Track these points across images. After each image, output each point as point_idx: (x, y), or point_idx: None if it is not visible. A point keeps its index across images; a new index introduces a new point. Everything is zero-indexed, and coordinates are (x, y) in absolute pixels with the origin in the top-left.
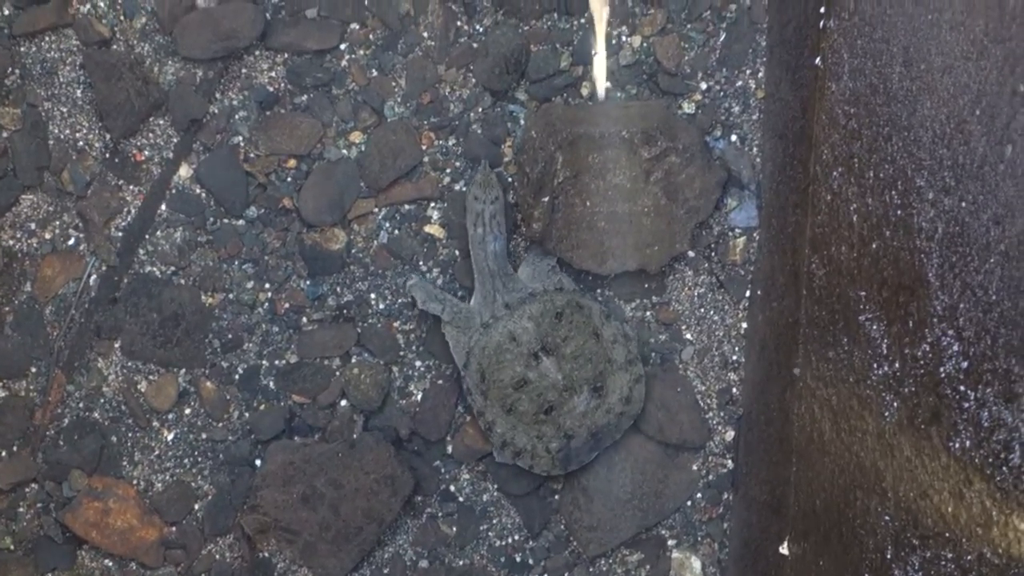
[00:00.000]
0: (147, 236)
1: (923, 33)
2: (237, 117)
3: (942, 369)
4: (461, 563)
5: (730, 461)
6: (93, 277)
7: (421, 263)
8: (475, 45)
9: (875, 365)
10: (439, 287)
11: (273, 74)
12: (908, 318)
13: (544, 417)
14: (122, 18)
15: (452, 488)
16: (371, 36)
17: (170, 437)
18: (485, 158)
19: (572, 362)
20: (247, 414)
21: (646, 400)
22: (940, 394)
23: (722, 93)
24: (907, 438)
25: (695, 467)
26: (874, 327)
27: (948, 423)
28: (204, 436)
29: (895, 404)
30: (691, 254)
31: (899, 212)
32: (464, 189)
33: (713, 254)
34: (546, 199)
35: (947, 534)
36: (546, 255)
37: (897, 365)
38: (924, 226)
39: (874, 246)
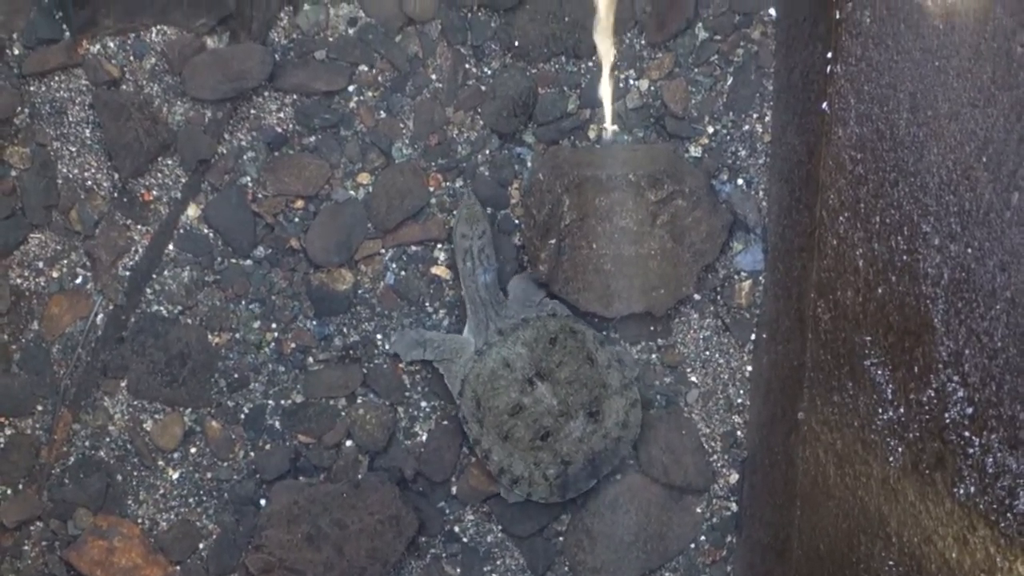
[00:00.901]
0: (154, 275)
1: (930, 80)
2: (245, 158)
3: (947, 415)
4: None
5: (734, 504)
6: (100, 316)
7: (427, 304)
8: (483, 88)
9: (880, 410)
10: (422, 328)
11: (281, 115)
12: (913, 363)
13: (540, 443)
14: (131, 58)
15: (456, 529)
16: (379, 78)
17: (175, 476)
18: (469, 190)
19: (567, 387)
20: (252, 454)
21: (651, 443)
22: (945, 439)
23: (729, 137)
24: (911, 483)
25: (699, 510)
26: (879, 372)
27: (953, 469)
28: (209, 475)
29: (900, 449)
30: (697, 297)
31: (905, 257)
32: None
33: (719, 297)
34: (553, 241)
35: None
36: (535, 278)
37: (902, 410)
38: (930, 272)
39: (880, 291)
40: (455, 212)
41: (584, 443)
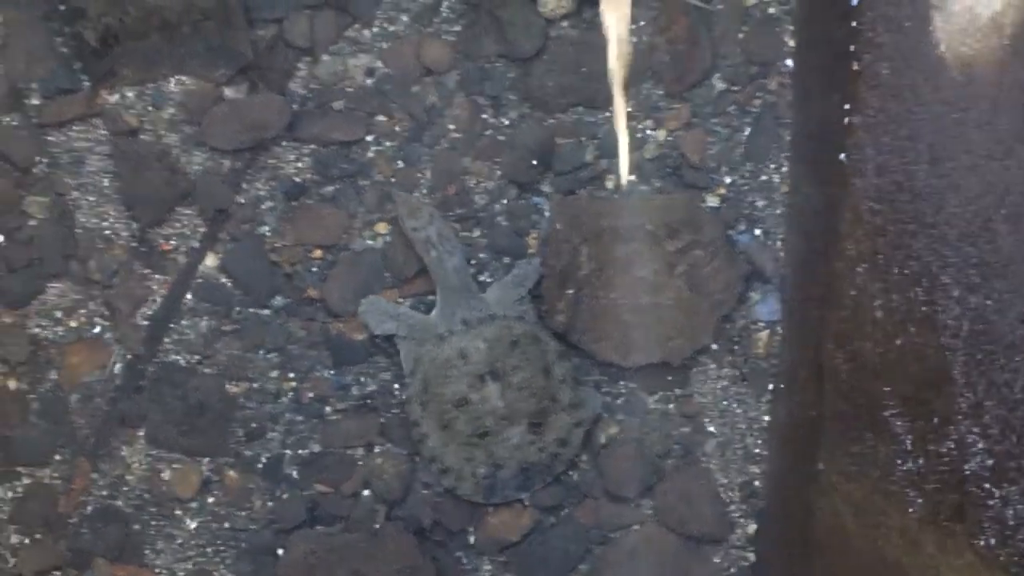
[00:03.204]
0: (173, 325)
1: (949, 132)
2: (263, 207)
3: (967, 466)
4: None
5: (752, 555)
6: (118, 365)
7: None
8: (501, 138)
9: (899, 461)
10: (397, 303)
11: (300, 165)
12: (933, 415)
13: (477, 440)
14: (150, 108)
15: None
16: (397, 128)
17: (193, 525)
18: (394, 190)
19: (516, 392)
20: (270, 503)
21: (668, 493)
22: (965, 491)
23: (746, 187)
24: (931, 535)
25: (717, 560)
26: (898, 423)
27: (973, 520)
28: (227, 525)
29: (919, 500)
30: (714, 347)
31: (924, 309)
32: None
33: (736, 347)
34: (571, 291)
35: None
36: (520, 283)
37: (921, 461)
38: (950, 323)
39: (899, 342)
40: (396, 211)
41: (519, 451)
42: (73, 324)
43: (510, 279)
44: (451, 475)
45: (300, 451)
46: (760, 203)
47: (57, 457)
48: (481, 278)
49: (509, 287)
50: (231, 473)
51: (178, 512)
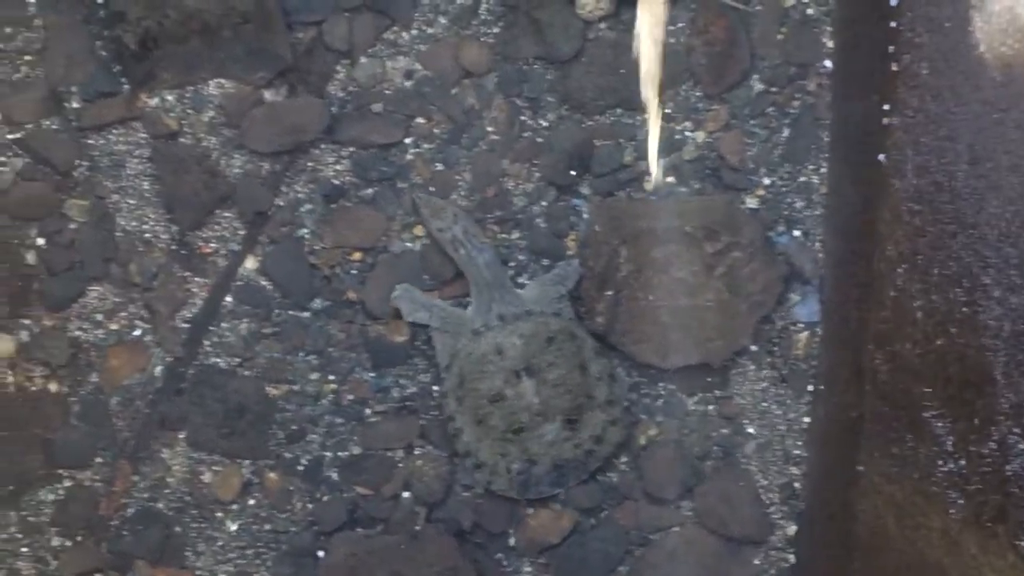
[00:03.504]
0: (213, 328)
1: (989, 132)
2: (303, 210)
3: (1008, 467)
4: None
5: (792, 556)
6: (159, 368)
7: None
8: (539, 140)
9: (940, 462)
10: (429, 295)
11: (339, 167)
12: (974, 415)
13: (512, 436)
14: (190, 111)
15: None
16: (436, 130)
17: (234, 528)
18: (414, 194)
19: (552, 389)
20: (310, 505)
21: (709, 495)
22: (1007, 492)
23: (785, 188)
24: (973, 536)
25: (757, 561)
26: (939, 424)
27: (1015, 521)
28: (267, 527)
29: (960, 501)
30: (754, 348)
31: (965, 309)
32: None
33: (776, 348)
34: (609, 293)
35: None
36: (559, 282)
37: (963, 462)
38: (990, 324)
39: (939, 343)
40: (421, 214)
41: (554, 448)
42: (114, 327)
43: (550, 278)
44: (485, 470)
45: (340, 453)
46: (799, 204)
47: (98, 460)
48: (520, 280)
49: (548, 285)
50: (271, 475)
51: (219, 514)
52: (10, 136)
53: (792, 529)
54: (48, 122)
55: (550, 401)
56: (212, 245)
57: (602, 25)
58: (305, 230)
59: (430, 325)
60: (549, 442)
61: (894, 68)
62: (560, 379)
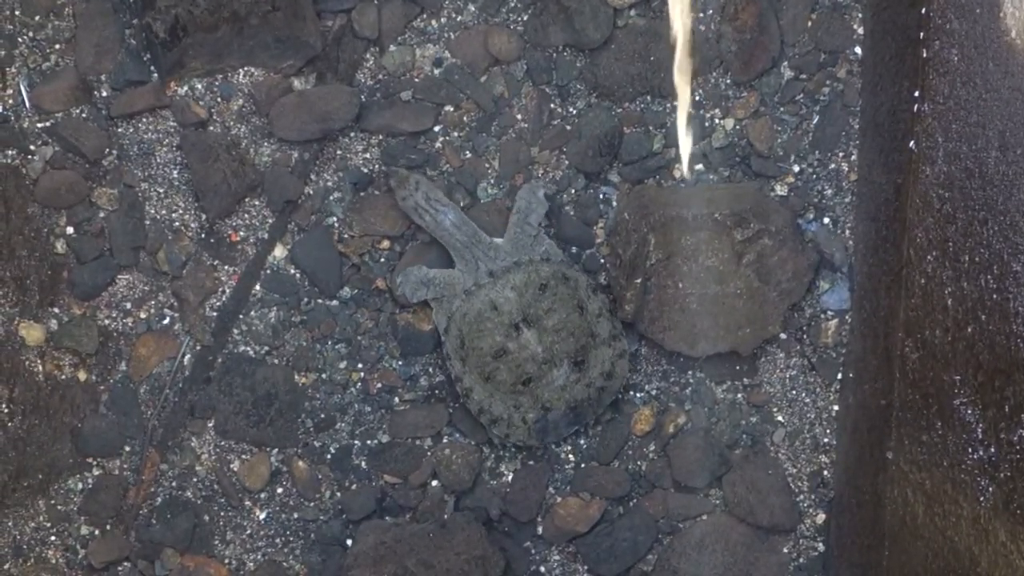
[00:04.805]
0: (241, 316)
1: (1020, 118)
2: (331, 198)
3: None
4: None
5: (821, 544)
6: (187, 356)
7: None
8: (568, 127)
9: (970, 449)
10: (424, 267)
11: (367, 156)
12: (1004, 403)
13: (522, 388)
14: (219, 100)
15: (543, 569)
16: (465, 118)
17: (262, 516)
18: (389, 167)
19: (553, 335)
20: (339, 494)
21: (737, 483)
22: None
23: (815, 176)
24: (1003, 523)
25: (786, 550)
26: (969, 411)
27: None
28: (296, 515)
29: (991, 488)
30: (783, 336)
31: (995, 296)
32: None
33: (805, 336)
34: (638, 281)
35: None
36: (526, 219)
37: (993, 450)
38: (1021, 310)
39: (969, 330)
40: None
41: (566, 391)
42: (143, 315)
43: (516, 219)
44: (502, 424)
45: (368, 442)
46: (829, 191)
47: (127, 448)
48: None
49: (521, 228)
50: (300, 464)
51: (247, 503)
52: (40, 124)
53: (821, 517)
54: (78, 110)
55: (554, 347)
56: (241, 233)
57: (632, 12)
58: (334, 218)
59: (431, 297)
60: (560, 387)
61: (924, 54)
62: (560, 323)
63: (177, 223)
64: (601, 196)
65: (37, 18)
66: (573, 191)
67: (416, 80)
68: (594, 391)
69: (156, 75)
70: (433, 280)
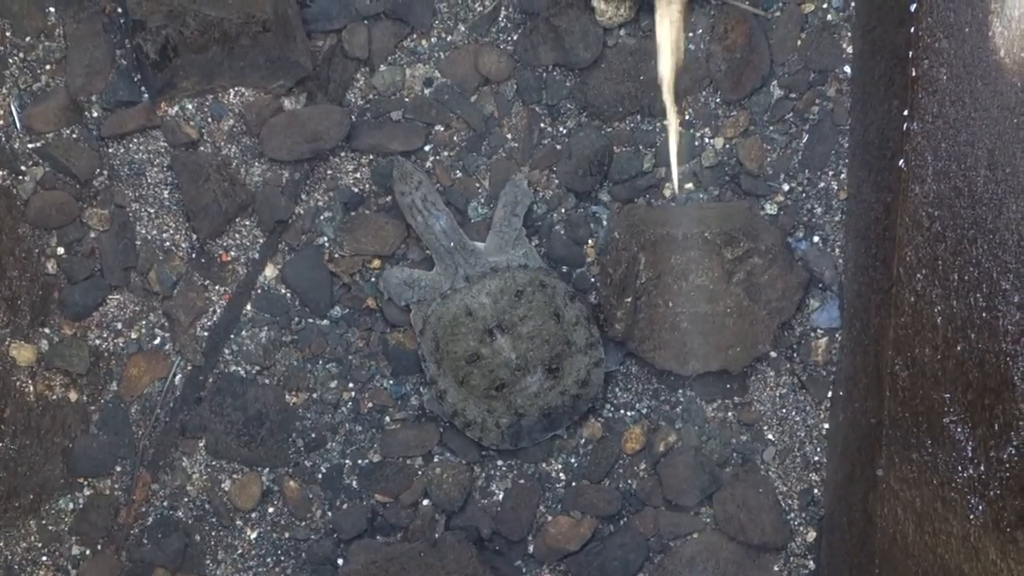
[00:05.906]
0: (232, 336)
1: (1009, 137)
2: (322, 218)
3: None
4: None
5: (812, 562)
6: (178, 376)
7: None
8: (558, 147)
9: (960, 467)
10: (405, 267)
11: (358, 175)
12: (994, 421)
13: (495, 393)
14: (210, 120)
15: None
16: (455, 138)
17: (253, 536)
18: (397, 157)
19: (528, 342)
20: (330, 513)
21: (728, 501)
22: None
23: (804, 194)
24: (993, 541)
25: (776, 568)
26: (959, 429)
27: None
28: (287, 535)
29: (981, 507)
30: (773, 355)
31: (984, 315)
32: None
33: (795, 355)
34: (629, 300)
35: None
36: (508, 224)
37: (983, 467)
38: (1010, 329)
39: (959, 348)
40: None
41: (540, 398)
42: (133, 335)
43: (501, 212)
44: (475, 428)
45: (359, 461)
46: (818, 210)
47: (118, 468)
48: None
49: (505, 221)
50: (291, 483)
51: (238, 522)
52: (31, 145)
53: (812, 535)
54: (68, 131)
55: (528, 354)
56: (232, 253)
57: (621, 32)
58: (324, 238)
59: (412, 300)
60: (533, 393)
61: (913, 73)
62: (535, 331)
63: (168, 243)
64: (591, 215)
65: (28, 39)
66: (563, 210)
67: (406, 100)
68: (568, 398)
69: (147, 95)
70: (417, 281)
